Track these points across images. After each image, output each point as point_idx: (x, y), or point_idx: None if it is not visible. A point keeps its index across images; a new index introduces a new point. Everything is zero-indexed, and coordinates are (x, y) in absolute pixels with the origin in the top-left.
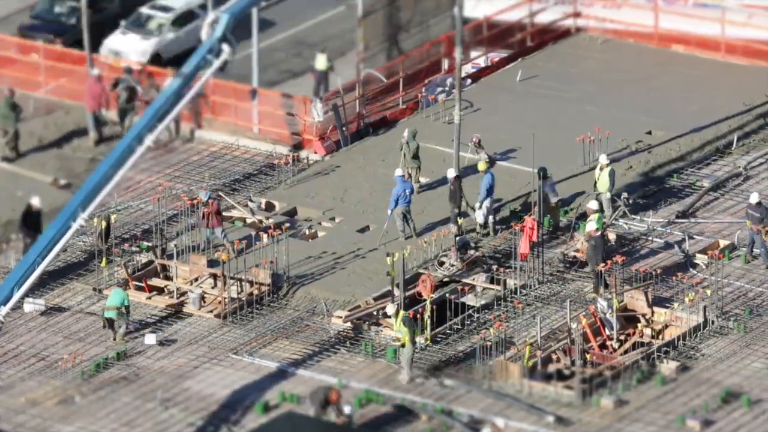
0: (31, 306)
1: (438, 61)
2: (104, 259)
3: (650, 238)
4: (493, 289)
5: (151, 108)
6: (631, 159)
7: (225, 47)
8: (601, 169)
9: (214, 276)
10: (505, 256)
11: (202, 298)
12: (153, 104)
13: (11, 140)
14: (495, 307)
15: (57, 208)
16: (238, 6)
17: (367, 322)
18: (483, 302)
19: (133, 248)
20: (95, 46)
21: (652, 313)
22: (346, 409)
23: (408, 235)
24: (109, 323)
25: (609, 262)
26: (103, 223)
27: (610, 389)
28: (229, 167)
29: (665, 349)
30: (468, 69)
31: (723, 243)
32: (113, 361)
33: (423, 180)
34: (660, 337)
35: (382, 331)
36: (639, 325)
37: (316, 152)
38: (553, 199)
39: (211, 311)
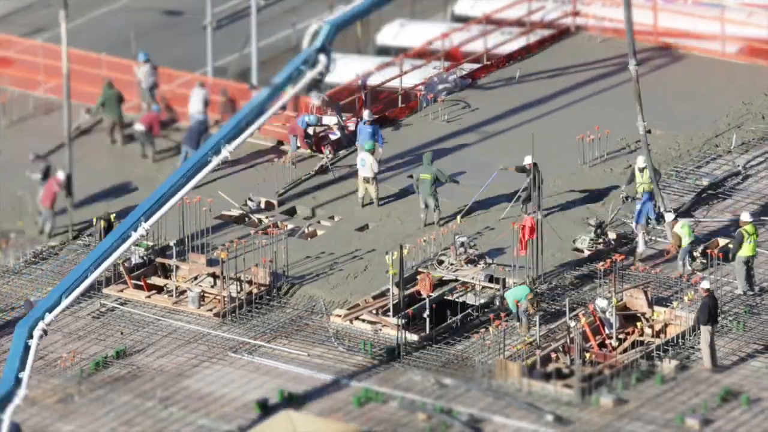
0: (31, 306)
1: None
2: None
3: (652, 238)
4: (492, 288)
5: (233, 118)
6: (631, 158)
7: (322, 58)
8: None
9: (214, 275)
10: (505, 255)
11: (202, 296)
12: (237, 114)
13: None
14: (494, 306)
15: None
16: (342, 17)
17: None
18: (482, 301)
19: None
20: None
21: (652, 312)
22: None
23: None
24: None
25: (608, 261)
26: (103, 223)
27: (610, 388)
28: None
29: (664, 347)
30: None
31: (722, 242)
32: (112, 360)
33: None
34: (659, 335)
35: (381, 329)
36: (639, 323)
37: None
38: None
39: (210, 310)
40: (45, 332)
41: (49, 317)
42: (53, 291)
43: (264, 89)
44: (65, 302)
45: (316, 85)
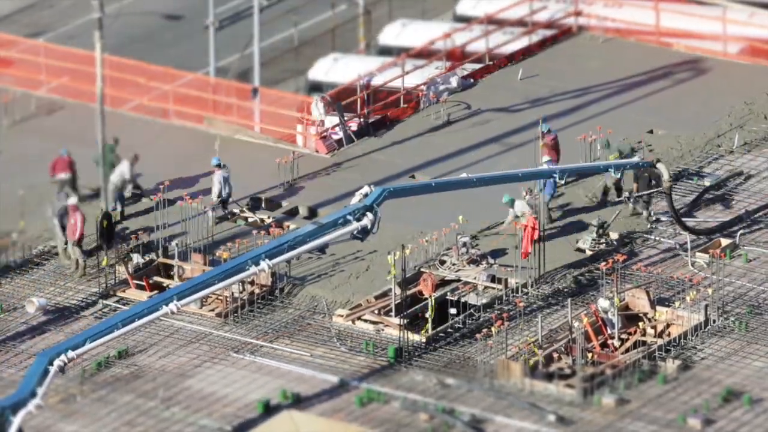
0: (33, 306)
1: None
2: (105, 258)
3: (654, 238)
4: (494, 288)
5: (277, 239)
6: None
7: (368, 215)
8: None
9: None
10: (507, 255)
11: (204, 296)
12: (281, 236)
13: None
14: (496, 306)
15: None
16: (395, 187)
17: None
18: (484, 301)
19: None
20: None
21: (654, 312)
22: None
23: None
24: None
25: (610, 261)
26: (104, 222)
27: (612, 388)
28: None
29: (666, 347)
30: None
31: (724, 242)
32: (114, 360)
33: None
34: (661, 336)
35: (383, 330)
36: (641, 324)
37: (317, 151)
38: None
39: (213, 310)
40: (63, 370)
41: (71, 354)
42: (82, 333)
43: (310, 225)
44: (89, 346)
45: (361, 235)
